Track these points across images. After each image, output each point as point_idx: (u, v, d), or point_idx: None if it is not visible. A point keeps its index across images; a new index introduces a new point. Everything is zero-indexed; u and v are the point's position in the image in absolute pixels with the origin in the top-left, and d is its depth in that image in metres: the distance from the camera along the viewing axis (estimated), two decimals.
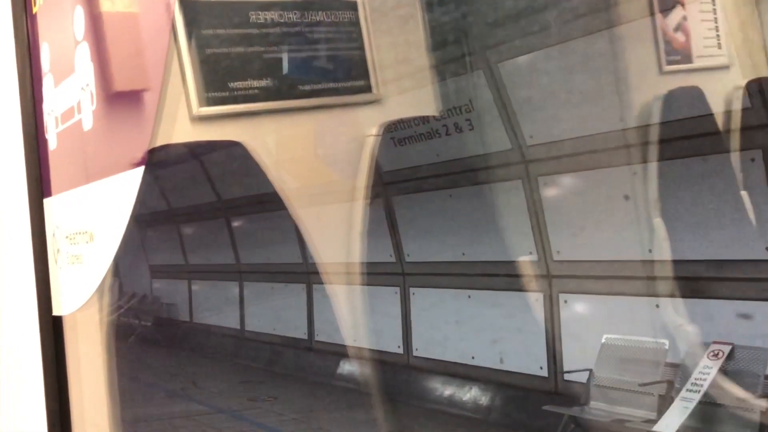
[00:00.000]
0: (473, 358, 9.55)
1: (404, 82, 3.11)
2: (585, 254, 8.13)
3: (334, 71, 3.09)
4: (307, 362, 12.16)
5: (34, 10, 3.46)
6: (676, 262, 7.10)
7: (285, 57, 3.03)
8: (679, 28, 4.31)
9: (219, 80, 2.96)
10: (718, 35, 4.15)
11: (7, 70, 3.47)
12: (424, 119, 8.85)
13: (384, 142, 10.53)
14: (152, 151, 2.81)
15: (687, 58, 4.46)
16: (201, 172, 13.89)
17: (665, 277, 7.28)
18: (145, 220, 16.42)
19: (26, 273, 3.44)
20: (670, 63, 4.61)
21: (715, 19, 4.30)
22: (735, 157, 6.42)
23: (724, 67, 4.47)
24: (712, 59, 4.49)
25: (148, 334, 16.12)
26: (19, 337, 3.43)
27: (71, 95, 3.25)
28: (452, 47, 7.93)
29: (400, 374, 10.35)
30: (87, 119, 3.15)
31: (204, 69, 2.93)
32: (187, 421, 9.99)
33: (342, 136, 3.20)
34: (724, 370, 6.46)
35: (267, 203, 11.32)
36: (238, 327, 14.61)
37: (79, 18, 3.15)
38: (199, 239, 16.24)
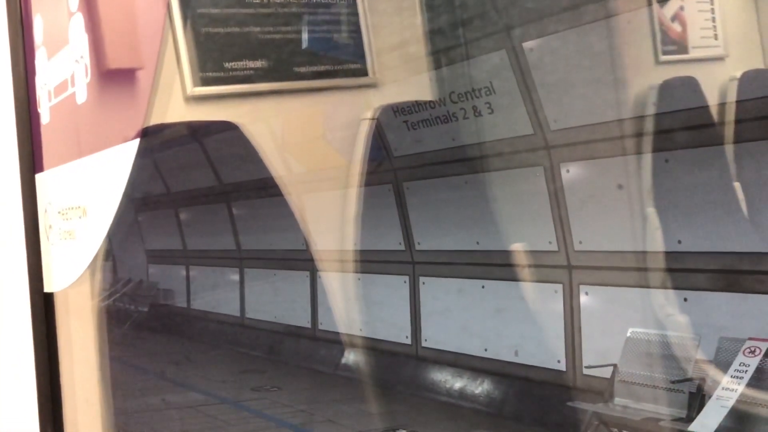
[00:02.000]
0: (486, 350, 9.65)
1: (401, 67, 3.26)
2: (608, 245, 8.21)
3: (329, 54, 3.23)
4: (311, 352, 12.30)
5: None
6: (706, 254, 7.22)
7: (280, 38, 3.18)
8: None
9: (214, 60, 3.12)
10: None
11: None
12: (441, 101, 8.95)
13: (396, 125, 10.66)
14: (149, 131, 2.95)
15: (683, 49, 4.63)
16: (201, 154, 14.04)
17: (694, 270, 7.39)
18: (142, 203, 16.60)
19: (17, 249, 3.60)
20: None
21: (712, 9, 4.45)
22: None
23: None
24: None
25: (143, 321, 16.30)
26: (10, 313, 3.60)
27: (65, 68, 3.39)
28: (474, 25, 8.02)
29: (408, 365, 10.49)
30: (81, 92, 3.29)
31: (199, 48, 3.09)
32: (189, 411, 10.14)
33: (337, 119, 3.35)
34: (761, 368, 6.48)
35: (270, 187, 11.46)
36: (238, 314, 14.79)
37: None
38: (199, 224, 16.42)
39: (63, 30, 3.33)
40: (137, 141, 2.86)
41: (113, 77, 3.13)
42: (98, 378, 3.60)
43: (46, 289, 3.56)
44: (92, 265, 3.24)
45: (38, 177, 3.62)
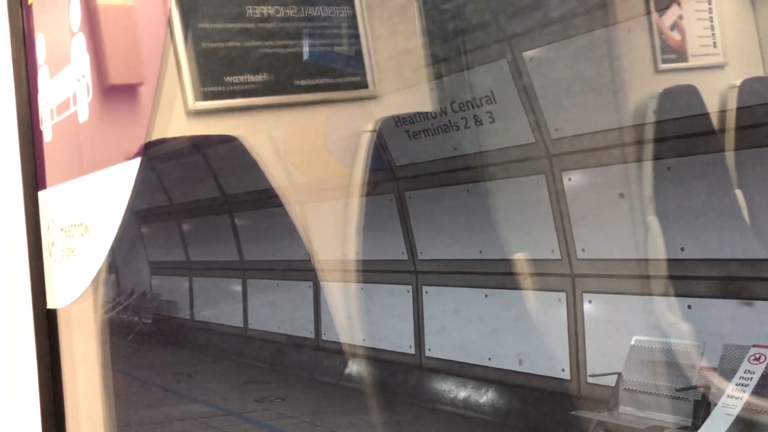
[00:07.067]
0: (490, 359, 9.66)
1: (402, 78, 3.28)
2: (611, 253, 8.21)
3: (330, 67, 3.25)
4: (314, 362, 12.32)
5: (30, 1, 3.64)
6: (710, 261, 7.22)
7: (281, 52, 3.21)
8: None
9: (215, 75, 3.14)
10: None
11: (2, 62, 3.65)
12: (442, 111, 8.97)
13: (398, 135, 10.68)
14: (151, 145, 2.97)
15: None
16: (203, 166, 14.09)
17: (697, 277, 7.39)
18: (145, 215, 16.65)
19: (20, 266, 3.62)
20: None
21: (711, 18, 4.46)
22: None
23: None
24: None
25: (147, 332, 16.34)
26: (13, 329, 3.62)
27: (67, 86, 3.42)
28: (474, 35, 8.04)
29: (411, 375, 10.51)
30: (83, 111, 3.32)
31: (200, 63, 3.12)
32: (193, 423, 10.15)
33: (339, 130, 3.37)
34: (767, 375, 6.46)
35: (272, 198, 11.48)
36: (242, 325, 14.82)
37: (75, 9, 3.33)
38: (202, 235, 16.47)
39: (65, 49, 3.36)
40: (138, 160, 2.88)
41: (115, 94, 3.15)
42: (101, 393, 3.61)
43: (49, 305, 3.57)
44: (95, 282, 3.26)
45: (41, 194, 3.65)
